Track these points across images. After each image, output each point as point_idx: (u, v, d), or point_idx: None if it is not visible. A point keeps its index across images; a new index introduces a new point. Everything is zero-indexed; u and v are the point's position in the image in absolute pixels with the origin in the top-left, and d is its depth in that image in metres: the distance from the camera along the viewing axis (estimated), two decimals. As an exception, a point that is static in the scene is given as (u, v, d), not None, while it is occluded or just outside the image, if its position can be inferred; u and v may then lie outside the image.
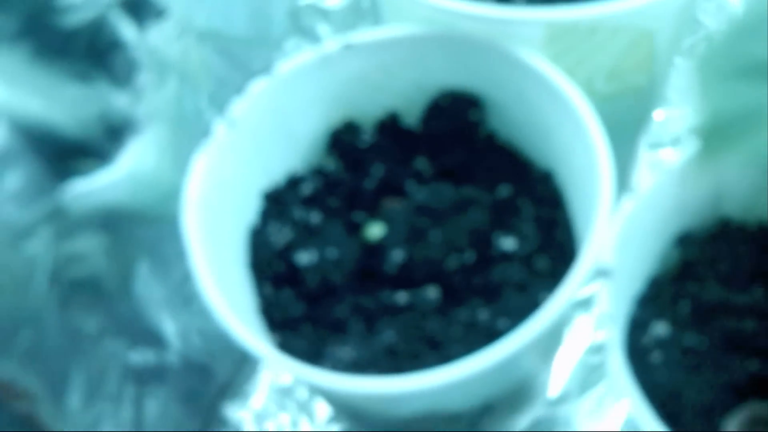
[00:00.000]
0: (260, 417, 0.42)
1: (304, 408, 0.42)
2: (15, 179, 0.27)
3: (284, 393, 0.43)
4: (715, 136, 0.27)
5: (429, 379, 0.27)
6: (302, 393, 0.42)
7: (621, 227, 0.30)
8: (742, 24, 0.22)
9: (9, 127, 0.26)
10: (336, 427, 0.42)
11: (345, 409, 0.35)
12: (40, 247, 0.28)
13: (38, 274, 0.28)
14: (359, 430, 0.41)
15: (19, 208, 0.27)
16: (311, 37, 0.45)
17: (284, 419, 0.42)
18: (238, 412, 0.43)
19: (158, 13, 0.33)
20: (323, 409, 0.42)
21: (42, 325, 0.29)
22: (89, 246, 0.30)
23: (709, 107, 0.27)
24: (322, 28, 0.46)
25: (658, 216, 0.32)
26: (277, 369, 0.30)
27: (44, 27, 0.28)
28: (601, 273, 0.29)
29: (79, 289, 0.31)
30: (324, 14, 0.46)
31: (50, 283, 0.29)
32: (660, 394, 0.28)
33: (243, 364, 0.43)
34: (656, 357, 0.30)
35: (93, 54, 0.30)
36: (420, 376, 0.28)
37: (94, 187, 0.30)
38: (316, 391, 0.37)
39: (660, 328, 0.30)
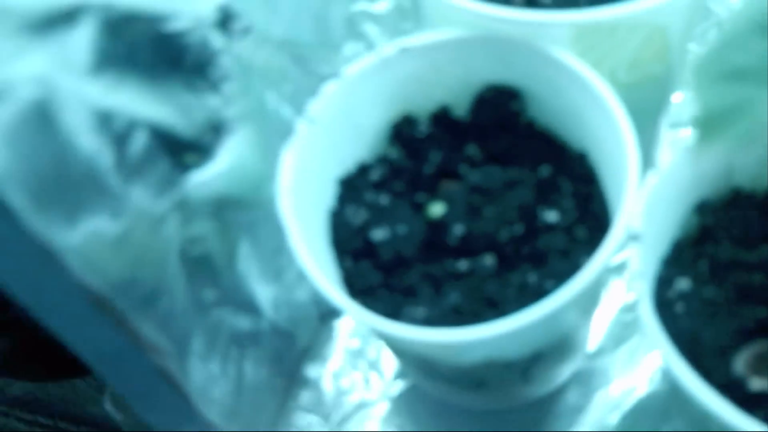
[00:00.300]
0: (336, 375, 0.46)
1: (374, 366, 0.46)
2: (154, 175, 0.31)
3: (356, 354, 0.46)
4: (709, 126, 0.31)
5: (489, 330, 0.31)
6: (372, 353, 0.46)
7: (647, 199, 0.33)
8: (727, 37, 0.26)
9: (148, 132, 0.30)
10: (401, 383, 0.45)
11: (414, 360, 0.39)
12: (171, 230, 0.32)
13: (171, 253, 0.32)
14: (421, 385, 0.44)
15: (157, 198, 0.31)
16: (364, 39, 0.48)
17: (357, 376, 0.46)
18: (316, 372, 0.46)
19: (244, 29, 0.37)
20: (389, 368, 0.45)
21: (173, 295, 0.32)
22: (204, 229, 0.34)
23: (703, 104, 0.31)
24: (372, 30, 0.49)
25: (678, 188, 0.35)
26: (366, 323, 0.34)
27: (164, 49, 0.32)
28: (632, 238, 0.32)
29: (197, 266, 0.34)
30: (374, 18, 0.49)
31: (179, 261, 0.33)
32: (683, 339, 0.31)
33: (320, 330, 0.47)
34: (679, 308, 0.33)
35: (197, 67, 0.34)
36: (482, 328, 0.31)
37: (204, 178, 0.33)
38: (392, 345, 0.40)
39: (682, 284, 0.34)
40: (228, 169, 0.35)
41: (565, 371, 0.42)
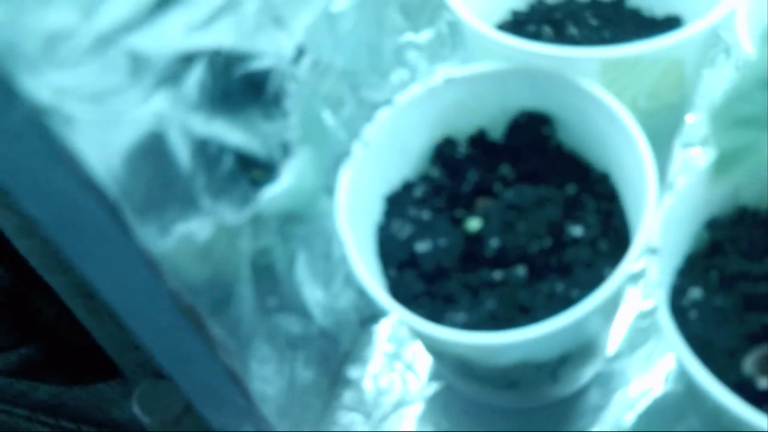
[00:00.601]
0: (375, 377, 0.49)
1: (410, 368, 0.49)
2: (236, 192, 0.34)
3: (393, 357, 0.49)
4: (723, 164, 0.34)
5: (524, 334, 0.34)
6: (408, 356, 0.49)
7: (663, 216, 0.36)
8: (737, 91, 0.30)
9: (233, 156, 0.34)
10: (435, 384, 0.48)
11: (452, 361, 0.42)
12: (245, 242, 0.35)
13: (243, 262, 0.36)
14: (455, 385, 0.47)
15: (237, 213, 0.34)
16: (408, 66, 0.51)
17: (394, 377, 0.49)
18: (358, 373, 0.49)
19: (313, 63, 0.41)
20: (424, 370, 0.48)
21: (243, 300, 0.36)
22: (270, 241, 0.38)
23: (718, 147, 0.35)
24: (415, 57, 0.52)
25: (691, 207, 0.38)
26: (413, 327, 0.37)
27: (250, 83, 0.36)
28: (651, 251, 0.35)
29: (263, 274, 0.38)
30: (416, 46, 0.52)
31: (250, 270, 0.36)
32: (696, 343, 0.34)
33: (361, 334, 0.50)
34: (693, 314, 0.36)
35: (274, 97, 0.38)
36: (517, 332, 0.34)
37: (272, 195, 0.37)
38: (433, 347, 0.43)
39: (695, 293, 0.37)
40: (290, 187, 0.39)
41: (588, 372, 0.45)
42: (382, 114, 0.42)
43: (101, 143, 0.27)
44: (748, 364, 0.34)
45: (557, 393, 0.45)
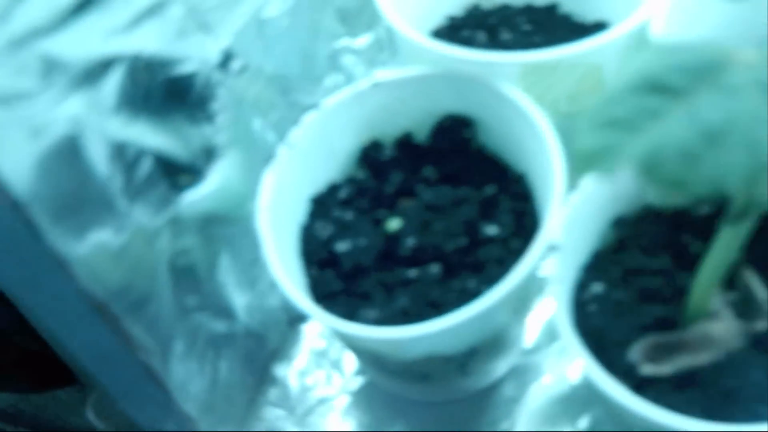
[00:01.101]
0: (301, 374, 0.50)
1: (336, 365, 0.50)
2: (154, 195, 0.36)
3: (320, 354, 0.51)
4: (583, 161, 0.36)
5: (428, 327, 0.36)
6: (334, 354, 0.50)
7: (567, 214, 0.38)
8: (611, 94, 0.31)
9: (152, 159, 0.35)
10: (359, 379, 0.49)
11: (368, 356, 0.44)
12: (163, 243, 0.37)
13: (161, 263, 0.37)
14: (376, 380, 0.49)
15: (154, 215, 0.36)
16: (343, 71, 0.53)
17: (320, 375, 0.50)
18: (284, 371, 0.50)
19: (241, 67, 0.42)
20: (350, 366, 0.50)
21: (161, 300, 0.37)
22: (190, 243, 0.39)
23: (581, 144, 0.36)
24: (351, 62, 0.53)
25: (597, 205, 0.40)
26: (325, 324, 0.39)
27: (172, 88, 0.37)
28: (552, 248, 0.37)
29: (183, 275, 0.39)
30: (354, 51, 0.54)
31: (168, 270, 0.38)
32: (592, 334, 0.36)
33: (289, 333, 0.52)
34: (592, 308, 0.38)
35: (199, 101, 0.39)
36: (422, 326, 0.36)
37: (195, 198, 0.39)
38: (349, 343, 0.45)
39: (597, 288, 0.39)
40: (215, 190, 0.41)
41: (501, 366, 0.46)
42: (309, 117, 0.44)
43: (11, 146, 0.29)
44: (635, 352, 0.36)
45: (471, 386, 0.46)
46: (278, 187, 0.42)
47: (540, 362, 0.48)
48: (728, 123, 0.25)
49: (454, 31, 0.54)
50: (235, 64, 0.42)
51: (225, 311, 0.44)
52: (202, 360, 0.42)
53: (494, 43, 0.51)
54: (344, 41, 0.53)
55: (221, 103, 0.41)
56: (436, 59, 0.45)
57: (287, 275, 0.39)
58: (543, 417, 0.46)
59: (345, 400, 0.49)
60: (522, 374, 0.48)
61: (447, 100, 0.46)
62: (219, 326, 0.44)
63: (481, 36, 0.53)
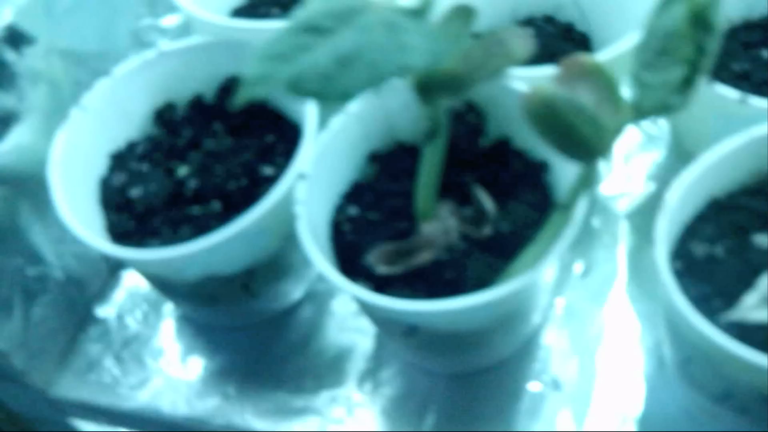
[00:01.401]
0: (121, 314, 0.55)
1: (154, 306, 0.55)
2: None
3: (140, 297, 0.56)
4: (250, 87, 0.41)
5: (193, 246, 0.41)
6: (152, 296, 0.55)
7: (315, 149, 0.44)
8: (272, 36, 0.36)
9: None
10: (173, 316, 0.54)
11: (157, 283, 0.49)
12: None
13: None
14: (184, 311, 0.54)
15: None
16: (153, 47, 0.56)
17: (138, 314, 0.55)
18: (105, 311, 0.55)
19: (30, 40, 0.48)
20: (168, 308, 0.55)
21: None
22: None
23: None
24: (161, 42, 0.59)
25: (349, 142, 0.46)
26: (116, 256, 0.44)
27: None
28: (301, 176, 0.43)
29: None
30: (162, 31, 0.59)
31: None
32: (345, 247, 0.43)
33: (110, 277, 0.57)
34: (346, 227, 0.44)
35: None
36: (188, 245, 0.41)
37: None
38: (140, 269, 0.50)
39: (352, 210, 0.45)
40: (12, 148, 0.46)
41: (292, 289, 0.52)
42: (101, 83, 0.49)
43: None
44: (370, 256, 0.42)
45: (264, 308, 0.51)
46: (71, 145, 0.47)
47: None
48: (356, 51, 0.32)
49: (253, 8, 0.60)
50: (21, 38, 0.47)
51: (35, 259, 0.50)
52: (9, 302, 0.48)
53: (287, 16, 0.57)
54: (148, 20, 0.57)
55: (12, 74, 0.46)
56: (223, 32, 0.51)
57: (78, 219, 0.44)
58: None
59: (159, 333, 0.54)
60: (319, 298, 0.53)
61: (229, 64, 0.51)
62: (30, 272, 0.49)
63: (276, 11, 0.58)
